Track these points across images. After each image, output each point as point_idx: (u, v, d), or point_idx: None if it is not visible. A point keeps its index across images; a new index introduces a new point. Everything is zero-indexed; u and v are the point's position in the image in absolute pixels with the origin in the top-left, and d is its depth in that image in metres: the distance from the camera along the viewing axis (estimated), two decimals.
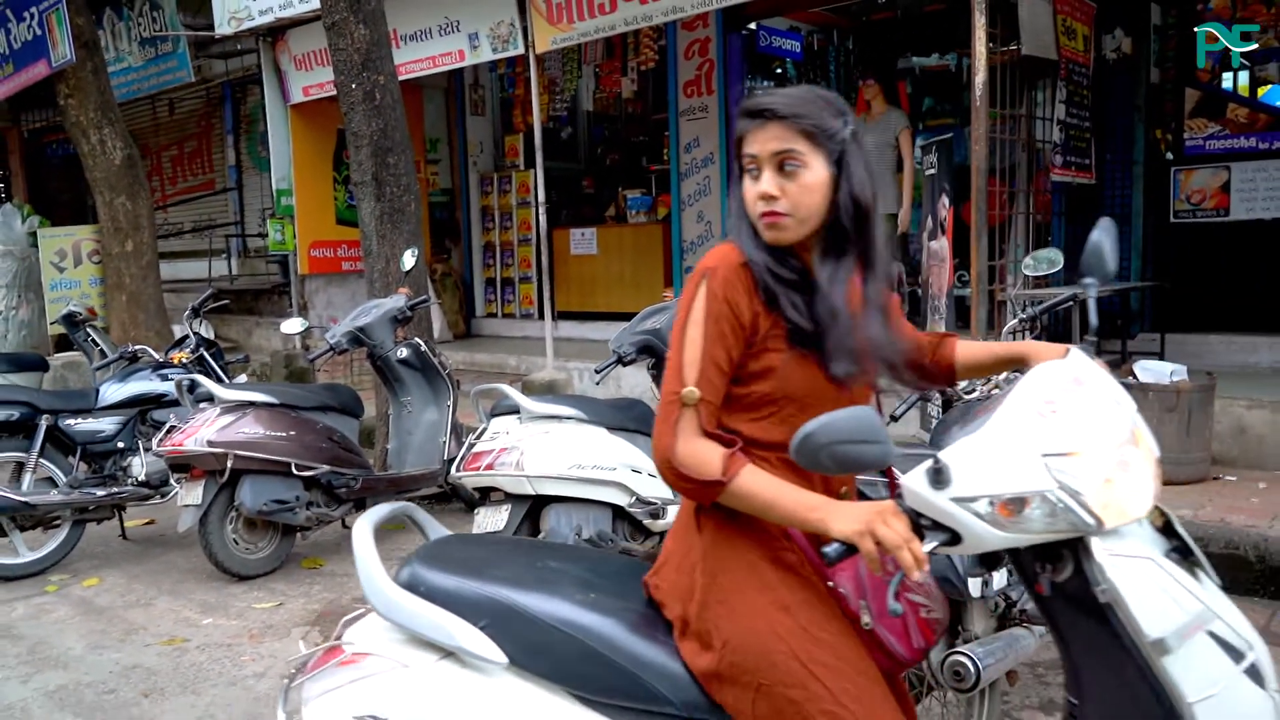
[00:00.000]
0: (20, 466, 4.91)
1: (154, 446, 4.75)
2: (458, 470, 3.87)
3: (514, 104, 10.21)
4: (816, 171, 1.60)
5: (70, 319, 7.40)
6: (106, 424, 5.18)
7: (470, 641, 1.64)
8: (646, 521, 3.83)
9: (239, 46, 10.01)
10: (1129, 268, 7.19)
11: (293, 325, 5.79)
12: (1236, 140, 7.06)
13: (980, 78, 5.09)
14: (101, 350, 7.04)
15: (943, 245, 5.59)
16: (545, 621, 1.64)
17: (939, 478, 1.42)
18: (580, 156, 11.04)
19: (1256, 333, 6.45)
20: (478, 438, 3.88)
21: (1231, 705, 1.44)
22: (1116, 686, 1.48)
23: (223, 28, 8.75)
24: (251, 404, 4.66)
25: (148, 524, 5.71)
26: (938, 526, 1.45)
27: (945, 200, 5.60)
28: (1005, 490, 1.42)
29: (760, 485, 1.56)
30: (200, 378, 4.94)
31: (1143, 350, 6.14)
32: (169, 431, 4.62)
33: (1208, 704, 1.42)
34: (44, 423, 4.92)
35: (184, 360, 5.65)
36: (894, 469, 1.64)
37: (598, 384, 4.41)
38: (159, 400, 5.34)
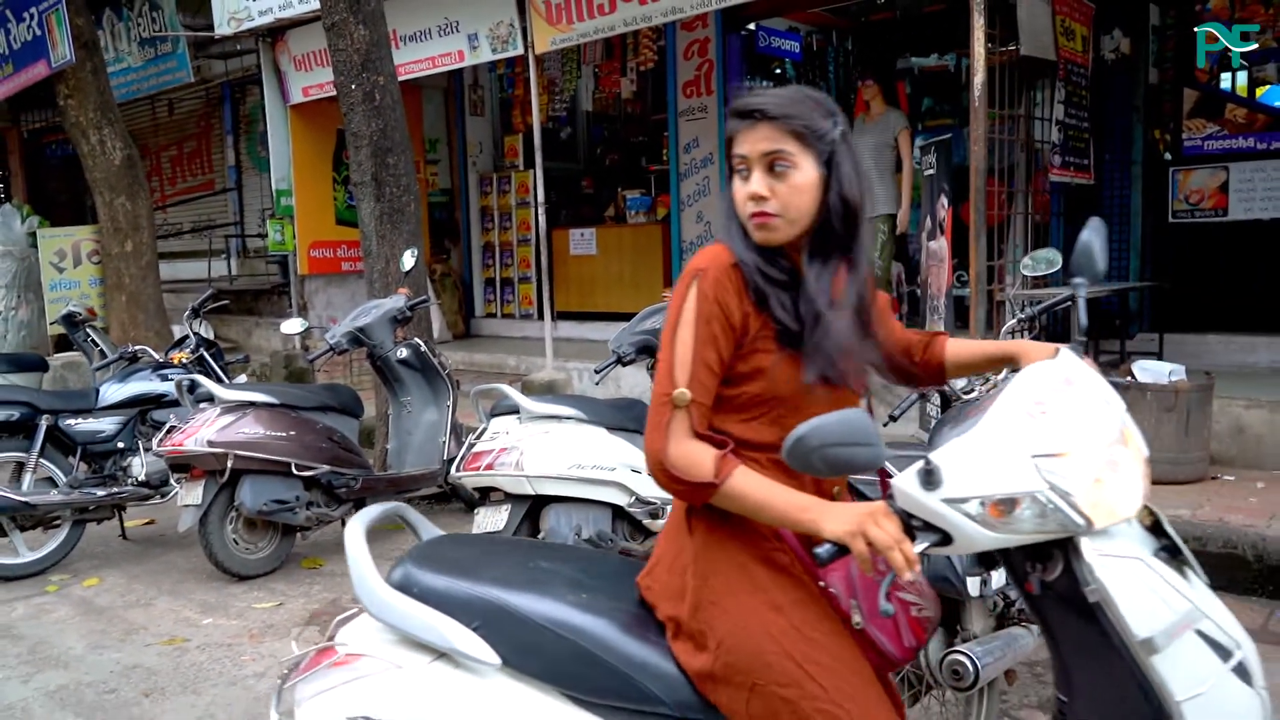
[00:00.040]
0: (20, 466, 4.92)
1: (154, 446, 4.76)
2: (457, 470, 3.87)
3: (513, 104, 10.20)
4: (806, 172, 1.61)
5: (70, 319, 7.40)
6: (106, 424, 5.19)
7: (463, 642, 1.64)
8: (646, 521, 3.82)
9: (238, 47, 10.01)
10: (1128, 268, 7.20)
11: (292, 325, 5.79)
12: (1235, 140, 7.06)
13: (979, 78, 5.10)
14: (101, 350, 7.03)
15: (942, 245, 5.59)
16: (538, 622, 1.64)
17: (930, 479, 1.43)
18: (580, 157, 11.03)
19: (1255, 333, 6.45)
20: (477, 438, 3.88)
21: (1219, 703, 1.44)
22: (1105, 685, 1.49)
23: (222, 28, 8.75)
24: (251, 404, 4.67)
25: (148, 524, 5.72)
26: (929, 527, 1.45)
27: (944, 200, 5.60)
28: (996, 491, 1.43)
29: (752, 487, 1.56)
30: (200, 378, 4.94)
31: (1141, 350, 6.14)
32: (169, 431, 4.63)
33: (1195, 702, 1.43)
34: (44, 423, 4.93)
35: (184, 360, 5.66)
36: (887, 469, 1.64)
37: (597, 384, 4.40)
38: (159, 400, 5.35)
